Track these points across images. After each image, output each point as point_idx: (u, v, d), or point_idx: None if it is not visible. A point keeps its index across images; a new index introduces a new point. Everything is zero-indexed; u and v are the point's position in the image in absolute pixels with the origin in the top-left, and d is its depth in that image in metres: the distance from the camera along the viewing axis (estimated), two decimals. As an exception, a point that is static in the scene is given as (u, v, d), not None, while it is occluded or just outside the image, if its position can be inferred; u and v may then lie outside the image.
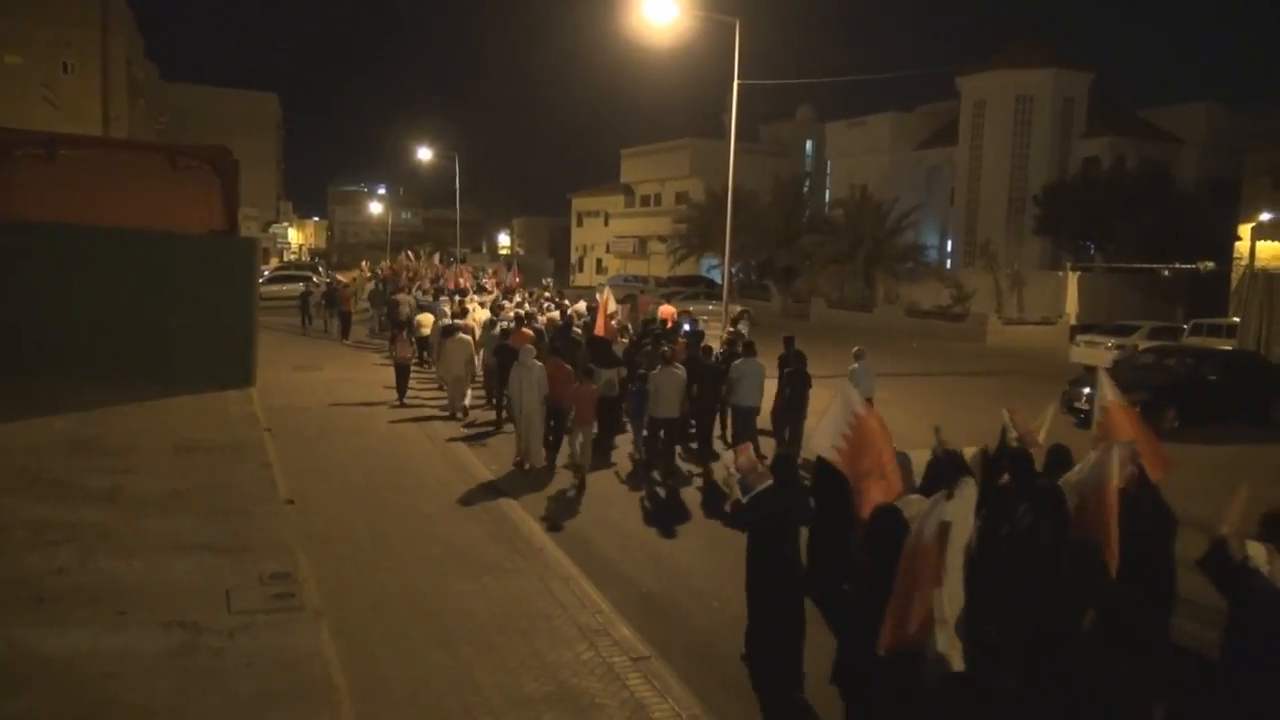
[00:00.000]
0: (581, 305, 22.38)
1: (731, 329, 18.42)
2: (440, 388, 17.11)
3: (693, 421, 13.73)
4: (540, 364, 12.62)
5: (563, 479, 12.12)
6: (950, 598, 5.26)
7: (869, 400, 12.26)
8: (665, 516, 10.68)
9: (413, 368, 17.92)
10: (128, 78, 46.21)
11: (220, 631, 5.84)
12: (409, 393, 17.00)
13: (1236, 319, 23.57)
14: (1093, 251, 41.23)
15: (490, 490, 11.16)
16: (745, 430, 12.85)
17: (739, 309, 33.24)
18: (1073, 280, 37.38)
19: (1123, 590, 5.23)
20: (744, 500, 6.75)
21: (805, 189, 51.97)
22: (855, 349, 14.13)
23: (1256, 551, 5.11)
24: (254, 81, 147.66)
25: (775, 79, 24.57)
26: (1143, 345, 23.23)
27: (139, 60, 51.03)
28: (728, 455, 7.76)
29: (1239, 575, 4.92)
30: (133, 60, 48.24)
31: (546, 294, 28.07)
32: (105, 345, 13.70)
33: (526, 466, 12.45)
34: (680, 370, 12.62)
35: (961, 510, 5.40)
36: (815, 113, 62.07)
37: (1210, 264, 34.76)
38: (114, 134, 40.45)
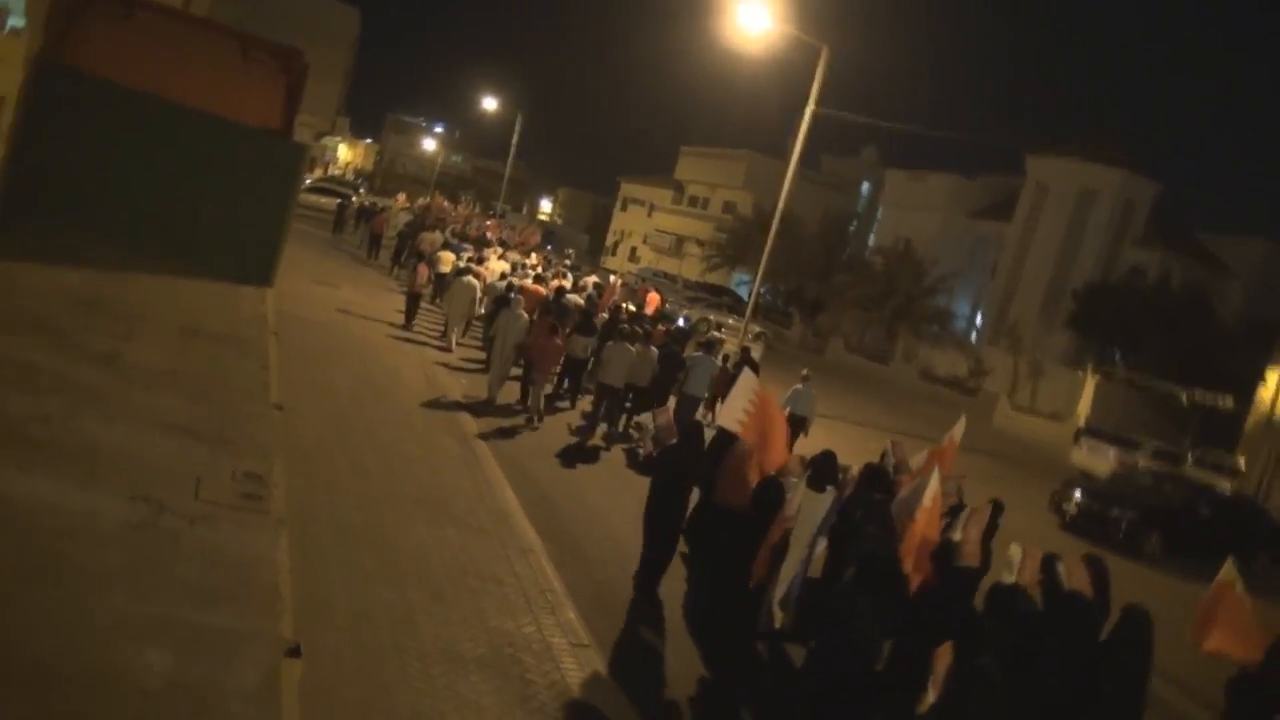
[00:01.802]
0: (592, 279, 23.68)
1: (705, 332, 20.41)
2: (443, 323, 18.08)
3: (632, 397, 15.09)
4: (526, 315, 14.18)
5: (544, 432, 13.03)
6: (790, 568, 6.81)
7: (805, 419, 14.83)
8: (634, 501, 10.64)
9: (424, 301, 18.97)
10: (220, -43, 46.18)
11: (183, 516, 5.87)
12: (415, 324, 18.06)
13: (1241, 460, 23.46)
14: (1117, 359, 41.02)
15: (476, 446, 11.18)
16: (686, 416, 13.85)
17: (758, 330, 33.39)
18: (1091, 382, 37.20)
19: (871, 549, 6.10)
20: (654, 454, 8.32)
21: (851, 228, 51.84)
22: (803, 371, 15.40)
23: (1015, 552, 6.28)
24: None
25: (847, 111, 24.53)
26: (1143, 463, 23.14)
27: (235, -58, 51.02)
28: (645, 416, 9.77)
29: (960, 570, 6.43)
30: (229, -59, 48.23)
31: (566, 263, 29.72)
32: (136, 213, 13.74)
33: (486, 398, 13.68)
34: (632, 348, 13.84)
35: (817, 506, 6.98)
36: (879, 156, 61.89)
37: (1230, 400, 34.54)
38: (194, 9, 40.38)
